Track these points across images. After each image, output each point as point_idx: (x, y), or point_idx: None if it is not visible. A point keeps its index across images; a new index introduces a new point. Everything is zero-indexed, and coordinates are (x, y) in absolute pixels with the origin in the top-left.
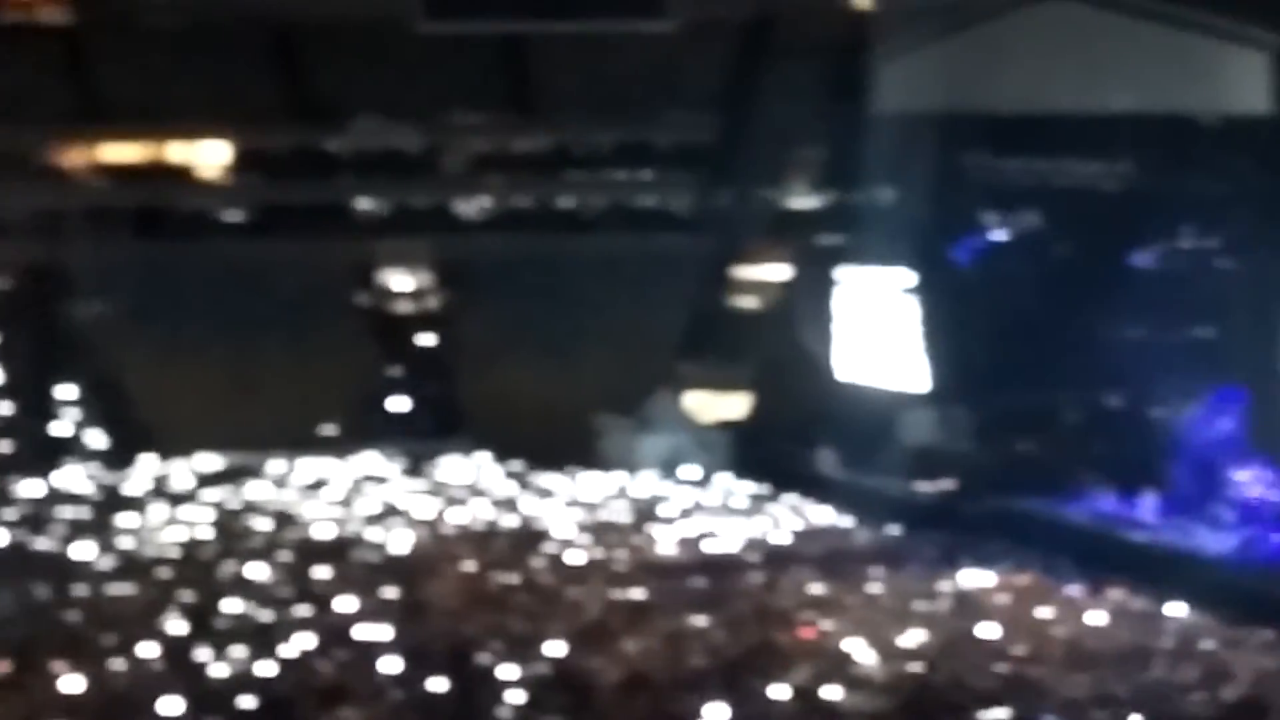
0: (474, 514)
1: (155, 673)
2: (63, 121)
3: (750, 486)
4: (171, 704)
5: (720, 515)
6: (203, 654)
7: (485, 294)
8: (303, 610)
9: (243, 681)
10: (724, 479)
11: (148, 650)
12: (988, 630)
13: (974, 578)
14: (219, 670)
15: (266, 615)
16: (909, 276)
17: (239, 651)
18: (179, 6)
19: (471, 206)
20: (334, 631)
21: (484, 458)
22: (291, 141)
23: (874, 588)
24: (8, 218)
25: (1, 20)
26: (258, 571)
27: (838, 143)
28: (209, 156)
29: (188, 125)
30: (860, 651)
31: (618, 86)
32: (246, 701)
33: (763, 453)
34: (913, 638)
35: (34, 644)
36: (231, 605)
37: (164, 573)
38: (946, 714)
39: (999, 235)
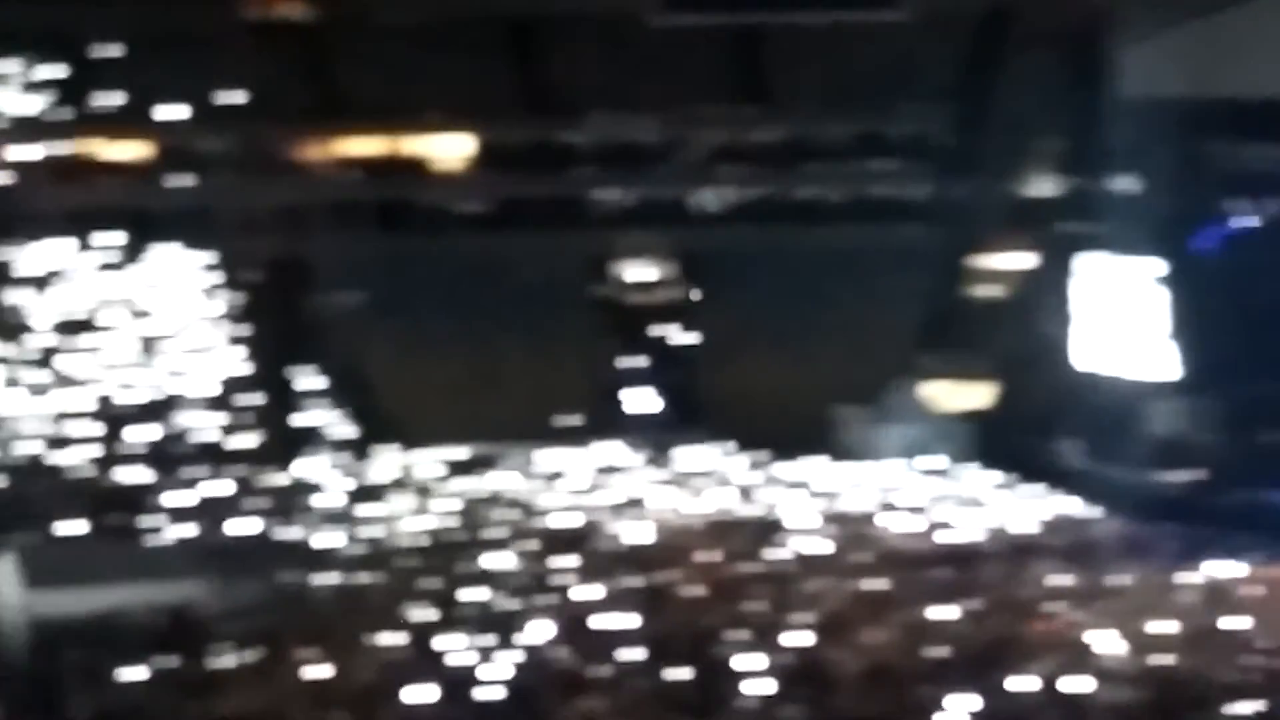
0: (714, 504)
1: (400, 661)
2: (306, 118)
3: (992, 477)
4: (417, 692)
5: (962, 506)
6: (446, 643)
7: (723, 285)
8: (544, 599)
9: (485, 671)
10: (965, 469)
11: (392, 639)
12: (1237, 623)
13: (1223, 569)
14: (462, 659)
15: (509, 604)
16: (1152, 264)
17: (482, 640)
18: (418, 2)
19: (709, 198)
20: (575, 621)
21: (723, 448)
22: (529, 135)
23: (1120, 579)
24: (254, 213)
25: (245, 18)
26: (500, 560)
27: (1077, 130)
28: (448, 151)
29: (427, 120)
30: (1105, 643)
31: (854, 77)
32: (489, 691)
33: (1004, 443)
34: (1160, 629)
35: (282, 632)
36: (474, 594)
37: (408, 561)
38: (1193, 707)
39: (1243, 222)
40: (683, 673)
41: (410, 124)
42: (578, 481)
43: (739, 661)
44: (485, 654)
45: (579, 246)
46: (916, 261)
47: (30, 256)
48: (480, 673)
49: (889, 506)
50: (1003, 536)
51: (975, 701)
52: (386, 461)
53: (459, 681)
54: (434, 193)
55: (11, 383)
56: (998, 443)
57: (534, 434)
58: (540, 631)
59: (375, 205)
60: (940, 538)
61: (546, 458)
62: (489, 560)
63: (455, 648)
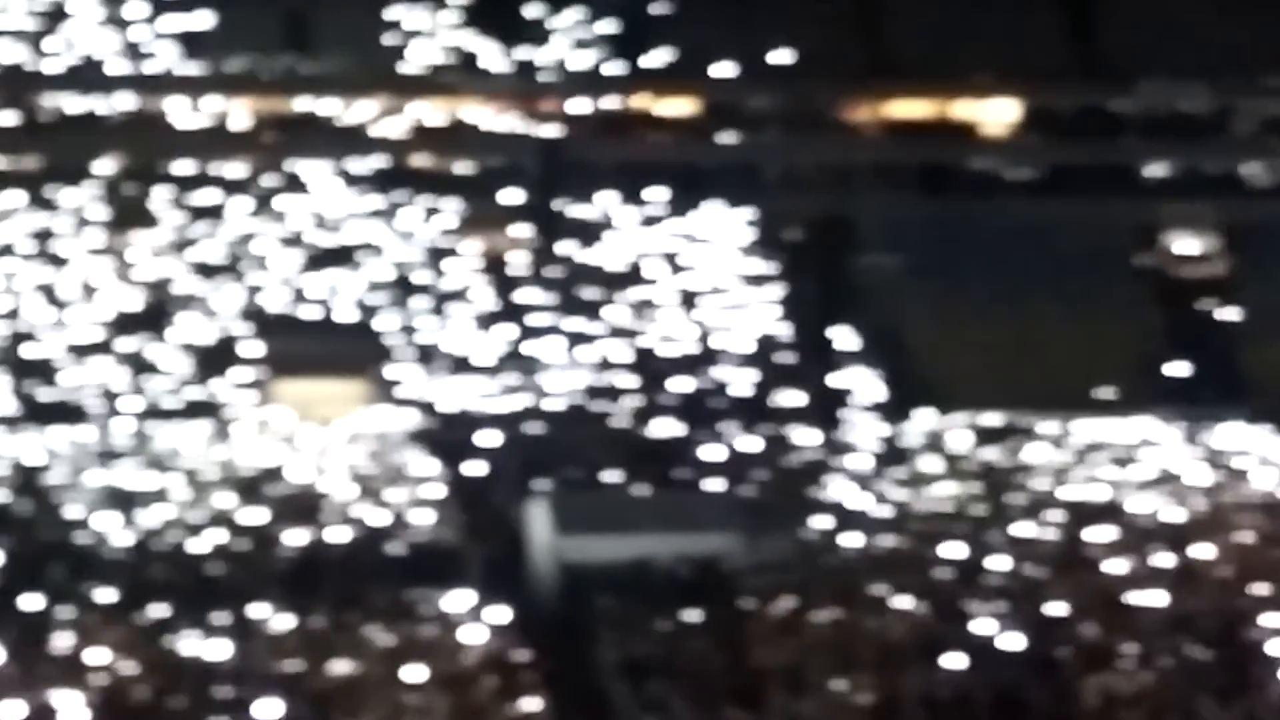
0: (1252, 485)
1: (923, 625)
2: (854, 79)
3: None
4: (948, 659)
5: None
6: (971, 608)
7: (1269, 261)
8: (1071, 572)
9: (1007, 640)
10: None
11: (908, 603)
12: None
13: None
14: (985, 627)
15: (1035, 573)
16: None
17: (1001, 608)
18: None
19: (1258, 171)
20: (1103, 595)
21: (1263, 428)
22: (1079, 101)
23: None
24: (800, 171)
25: None
26: (1027, 530)
27: None
28: (996, 115)
29: (975, 83)
30: None
31: None
32: (1003, 657)
33: None
34: None
35: (808, 588)
36: (999, 563)
37: (934, 526)
38: None
39: None
40: (1211, 654)
41: (958, 87)
42: (1112, 455)
43: (1272, 647)
44: (1007, 623)
45: (1126, 216)
46: None
47: (581, 209)
48: (1002, 641)
49: None
50: None
51: None
52: (919, 425)
53: (980, 649)
54: (981, 157)
55: (554, 331)
56: None
57: (1070, 404)
58: (1066, 604)
59: (920, 167)
60: None
61: (1082, 429)
62: (1016, 529)
63: (978, 615)
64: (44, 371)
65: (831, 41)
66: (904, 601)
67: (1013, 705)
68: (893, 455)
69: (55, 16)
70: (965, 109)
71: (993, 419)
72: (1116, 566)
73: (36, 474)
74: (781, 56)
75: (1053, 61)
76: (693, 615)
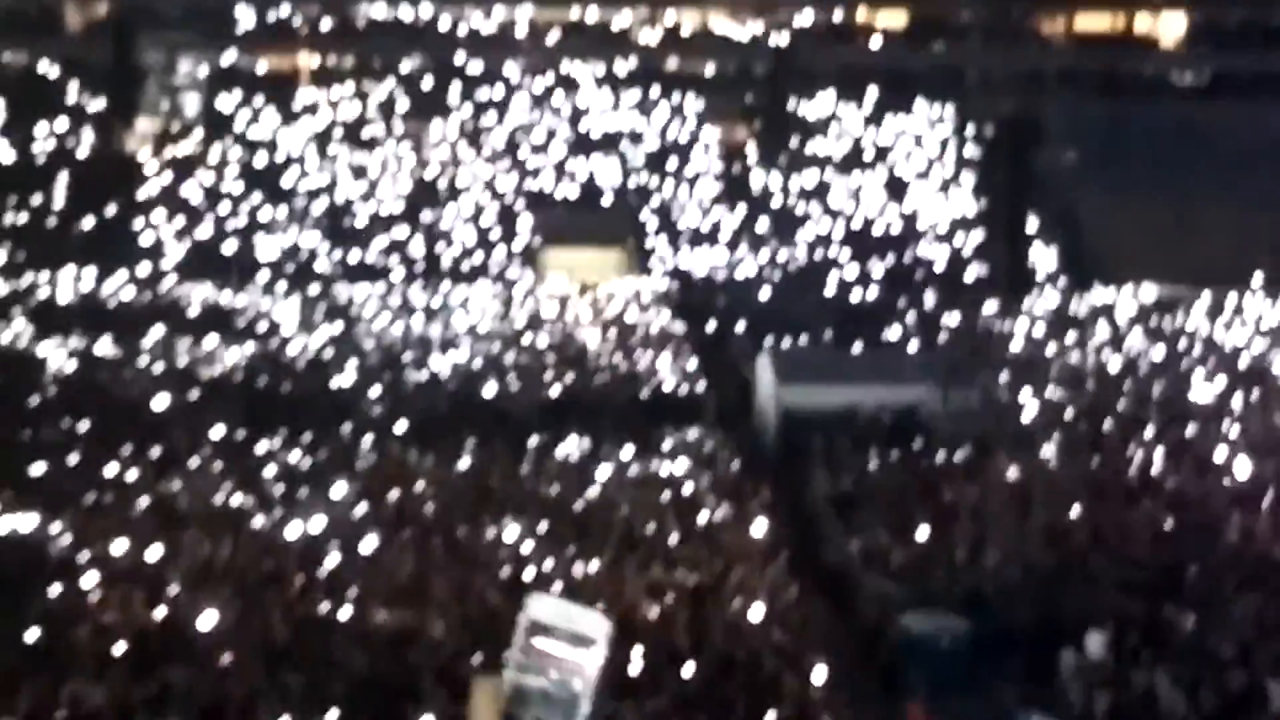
0: None
1: (1097, 476)
2: None
3: None
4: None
5: None
6: (1134, 456)
7: None
8: (1218, 427)
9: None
10: None
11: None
12: None
13: None
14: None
15: (1189, 430)
16: None
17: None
18: None
19: None
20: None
21: None
22: (1241, 15)
23: None
24: (994, 75)
25: None
26: (1183, 389)
27: None
28: (1168, 28)
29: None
30: None
31: None
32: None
33: None
34: None
35: (991, 439)
36: (1158, 419)
37: (1107, 389)
38: None
39: None
40: None
41: (1134, 3)
42: (1262, 326)
43: None
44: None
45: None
46: None
47: (806, 106)
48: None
49: None
50: None
51: None
52: (1093, 296)
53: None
54: (1153, 64)
55: (782, 210)
56: None
57: (1224, 280)
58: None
59: (1099, 72)
60: None
61: (1234, 303)
62: (1173, 388)
63: (1136, 461)
64: (356, 237)
65: None
66: (1067, 450)
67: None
68: (1068, 323)
69: None
70: (1141, 22)
71: (1155, 292)
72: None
73: (350, 322)
74: None
75: None
76: (892, 455)
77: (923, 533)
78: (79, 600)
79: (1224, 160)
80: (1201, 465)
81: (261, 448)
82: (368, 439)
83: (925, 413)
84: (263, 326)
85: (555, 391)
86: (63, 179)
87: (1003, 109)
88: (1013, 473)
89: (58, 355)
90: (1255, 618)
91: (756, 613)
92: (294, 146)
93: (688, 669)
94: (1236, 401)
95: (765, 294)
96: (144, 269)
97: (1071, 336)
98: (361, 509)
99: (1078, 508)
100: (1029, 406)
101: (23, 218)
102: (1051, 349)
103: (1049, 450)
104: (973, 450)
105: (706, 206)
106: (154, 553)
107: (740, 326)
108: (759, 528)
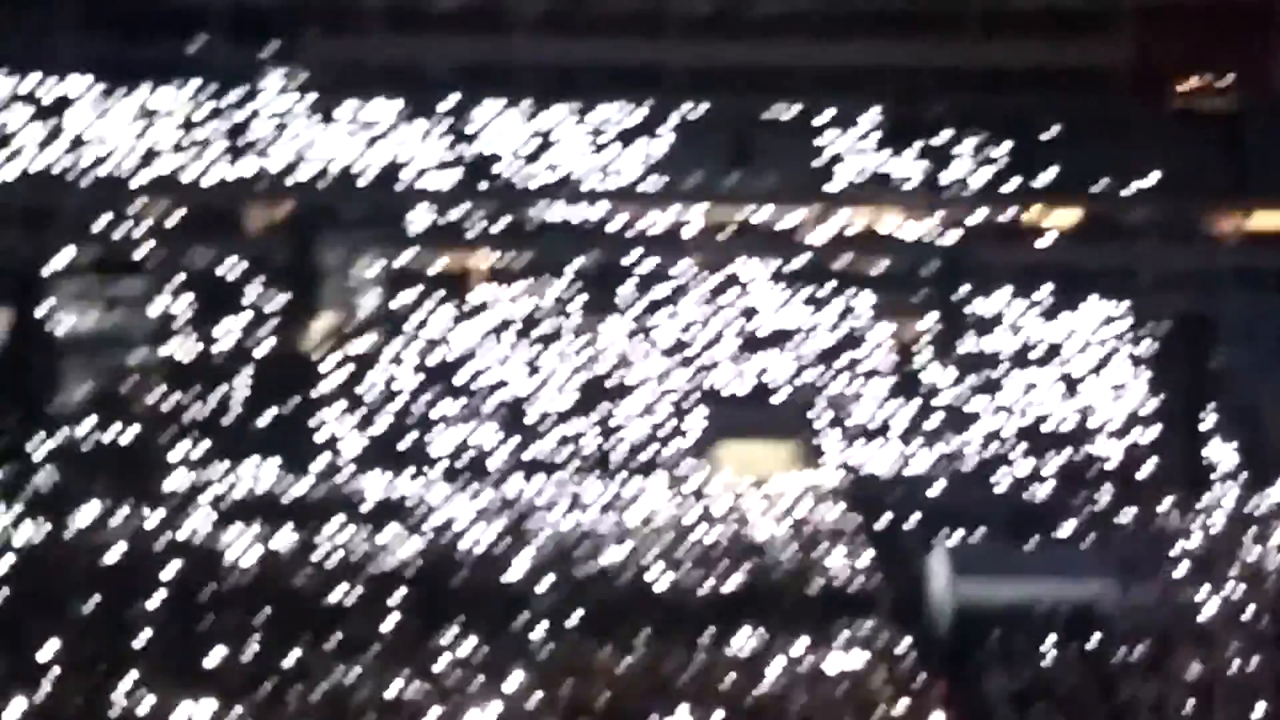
0: None
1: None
2: (1215, 193)
3: None
4: None
5: None
6: None
7: None
8: None
9: None
10: None
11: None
12: None
13: None
14: None
15: None
16: None
17: None
18: None
19: None
20: None
21: None
22: None
23: None
24: (1167, 273)
25: (1169, 106)
26: None
27: None
28: None
29: None
30: None
31: None
32: None
33: None
34: None
35: (1170, 634)
36: None
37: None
38: None
39: None
40: None
41: None
42: None
43: None
44: None
45: None
46: None
47: (979, 304)
48: None
49: None
50: None
51: None
52: (1273, 495)
53: None
54: None
55: (956, 406)
56: None
57: None
58: None
59: (1274, 271)
60: None
61: None
62: None
63: None
64: (530, 431)
65: (1198, 160)
66: (1249, 647)
67: None
68: (1248, 520)
69: (545, 141)
70: None
71: None
72: None
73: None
74: (1154, 174)
75: None
76: (1068, 651)
77: None
78: None
79: None
80: None
81: (437, 640)
82: (541, 630)
83: (1103, 608)
84: (438, 519)
85: (729, 585)
86: (244, 375)
87: (1177, 306)
88: (1193, 670)
89: (238, 546)
90: None
91: None
92: (469, 342)
93: None
94: None
95: (939, 489)
96: (321, 462)
97: (1251, 533)
98: (535, 700)
99: (1261, 708)
100: (1209, 604)
101: (205, 412)
102: (1231, 546)
103: (1230, 648)
104: (1152, 647)
105: (879, 401)
106: None
107: (913, 521)
108: None
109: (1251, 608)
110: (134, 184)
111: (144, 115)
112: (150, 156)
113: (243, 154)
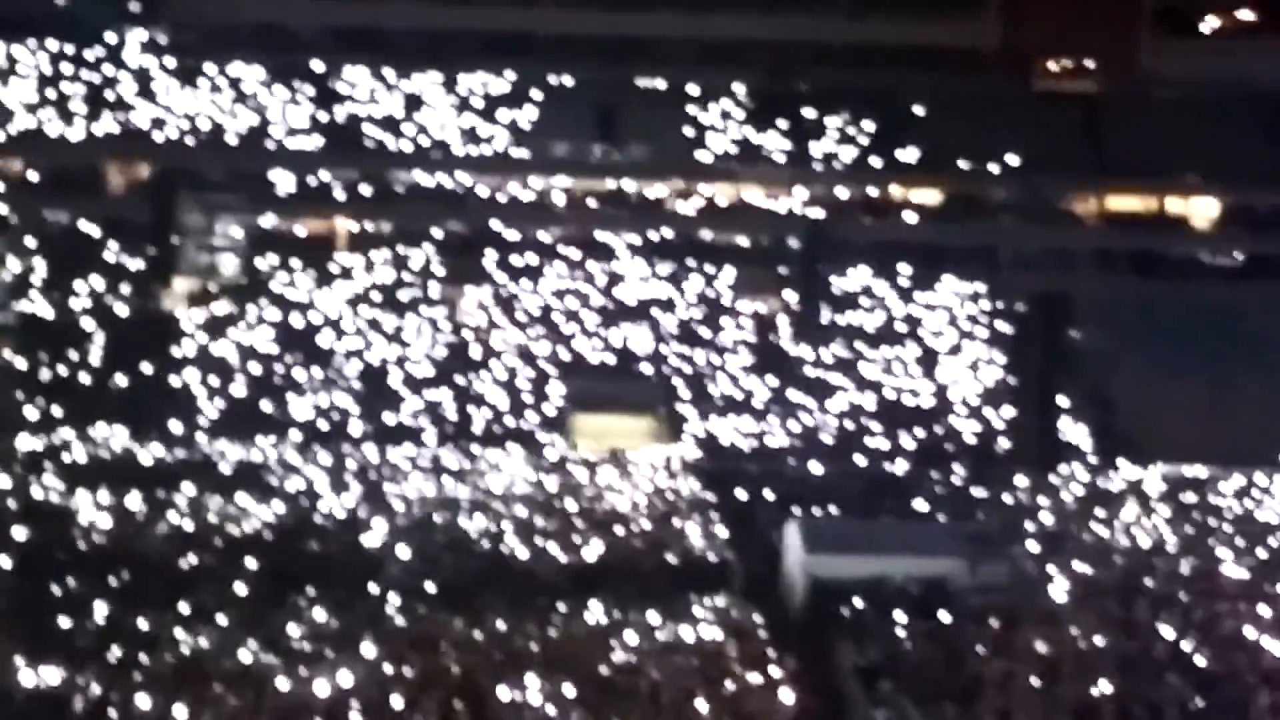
0: None
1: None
2: (1076, 175)
3: None
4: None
5: None
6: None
7: None
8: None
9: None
10: None
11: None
12: None
13: None
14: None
15: (1218, 605)
16: None
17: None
18: (1189, 82)
19: None
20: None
21: None
22: (1275, 200)
23: None
24: (1026, 253)
25: (1033, 88)
26: (1212, 565)
27: None
28: (1200, 210)
29: (1183, 183)
30: None
31: None
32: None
33: None
34: None
35: (1018, 611)
36: (1185, 594)
37: (1129, 561)
38: None
39: None
40: None
41: (1168, 185)
42: None
43: None
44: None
45: None
46: None
47: (839, 279)
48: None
49: None
50: None
51: None
52: (1123, 474)
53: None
54: (1185, 245)
55: (813, 381)
56: None
57: (1255, 461)
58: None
59: (1131, 253)
60: None
61: (1264, 482)
62: (1202, 565)
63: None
64: (389, 399)
65: (1060, 142)
66: (1096, 625)
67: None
68: (1097, 499)
69: (412, 106)
70: (1173, 205)
71: (1186, 471)
72: None
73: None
74: (1015, 155)
75: (1252, 165)
76: (919, 627)
77: (949, 705)
78: None
79: (1255, 342)
80: (1230, 643)
81: (289, 606)
82: (395, 599)
83: (952, 585)
84: (294, 486)
85: (585, 556)
86: (100, 337)
87: (1034, 286)
88: (1041, 647)
89: (88, 510)
90: None
91: None
92: (330, 307)
93: None
94: (1265, 580)
95: (795, 463)
96: (177, 426)
97: (1101, 513)
98: (388, 669)
99: (1106, 683)
100: (1058, 581)
101: (59, 374)
102: (1081, 525)
103: (1078, 625)
104: (1001, 623)
105: (737, 375)
106: (179, 709)
107: (770, 495)
108: (785, 697)
109: (1099, 586)
110: None
111: (1, 72)
112: (7, 114)
113: (103, 112)
